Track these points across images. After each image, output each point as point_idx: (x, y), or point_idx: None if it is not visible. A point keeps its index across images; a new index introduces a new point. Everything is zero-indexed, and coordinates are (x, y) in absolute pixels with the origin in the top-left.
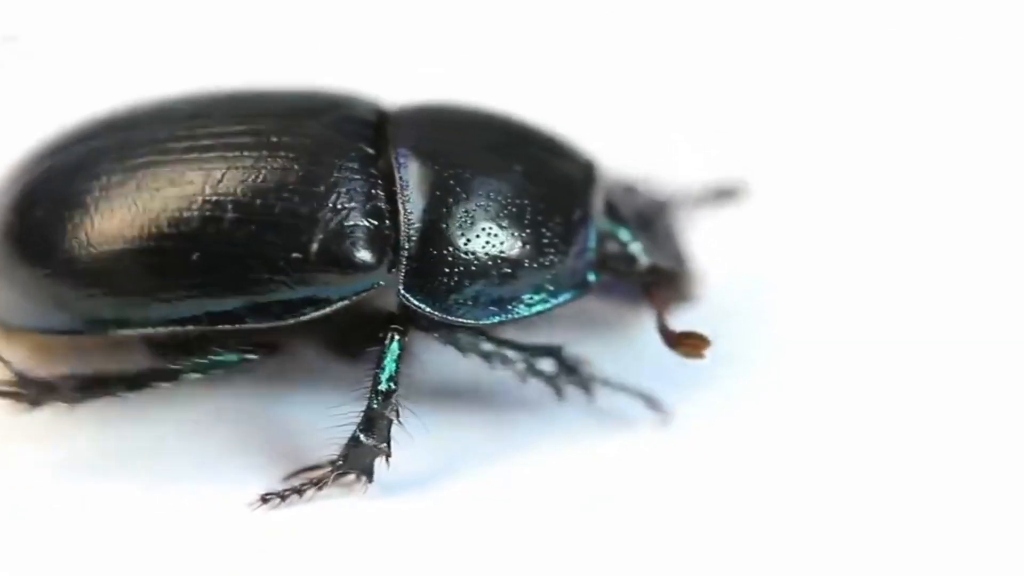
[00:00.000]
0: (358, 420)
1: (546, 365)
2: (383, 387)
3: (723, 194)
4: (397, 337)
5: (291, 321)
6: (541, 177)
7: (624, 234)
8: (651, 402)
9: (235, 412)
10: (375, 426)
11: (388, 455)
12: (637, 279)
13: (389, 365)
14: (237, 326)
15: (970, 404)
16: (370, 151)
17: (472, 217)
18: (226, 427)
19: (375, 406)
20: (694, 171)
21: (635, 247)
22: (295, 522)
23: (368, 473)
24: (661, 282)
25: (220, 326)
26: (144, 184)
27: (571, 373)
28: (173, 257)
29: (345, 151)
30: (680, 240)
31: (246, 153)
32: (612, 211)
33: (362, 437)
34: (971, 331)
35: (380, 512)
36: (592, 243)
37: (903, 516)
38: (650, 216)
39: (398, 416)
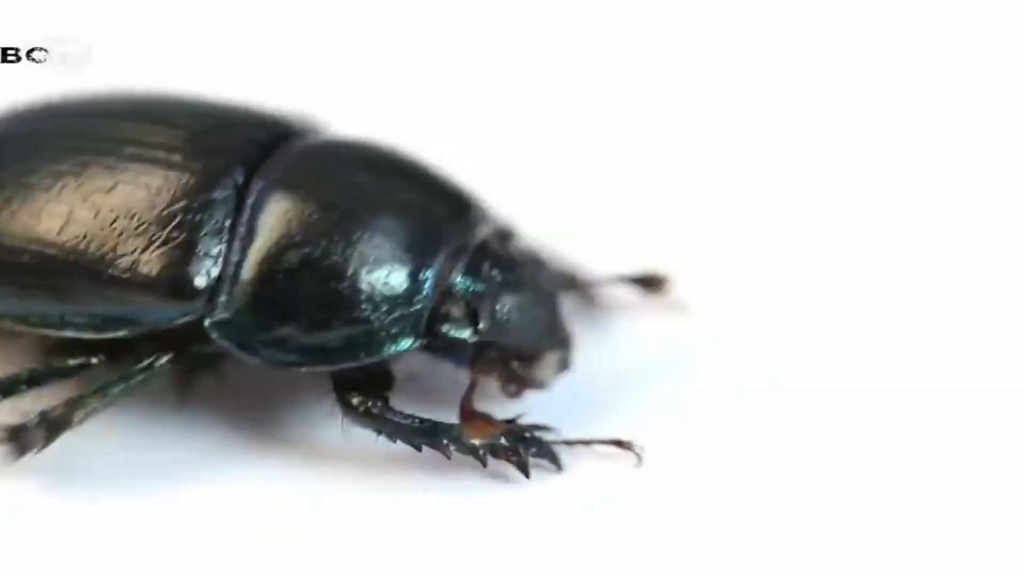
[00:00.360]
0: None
1: (504, 440)
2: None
3: (645, 284)
4: (160, 361)
5: (108, 335)
6: (389, 230)
7: (469, 302)
8: (622, 445)
9: (235, 412)
10: (64, 418)
11: (35, 450)
12: (466, 349)
13: (133, 379)
14: (58, 332)
15: (940, 439)
16: (239, 179)
17: (298, 260)
18: (226, 427)
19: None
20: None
21: (470, 318)
22: (296, 522)
23: (20, 454)
24: (504, 358)
25: (43, 331)
26: (12, 177)
27: (531, 446)
28: (11, 254)
29: (209, 173)
30: (558, 320)
31: (111, 160)
32: (474, 273)
33: (47, 418)
34: (940, 376)
35: (382, 511)
36: (420, 304)
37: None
38: (531, 288)
39: (81, 423)
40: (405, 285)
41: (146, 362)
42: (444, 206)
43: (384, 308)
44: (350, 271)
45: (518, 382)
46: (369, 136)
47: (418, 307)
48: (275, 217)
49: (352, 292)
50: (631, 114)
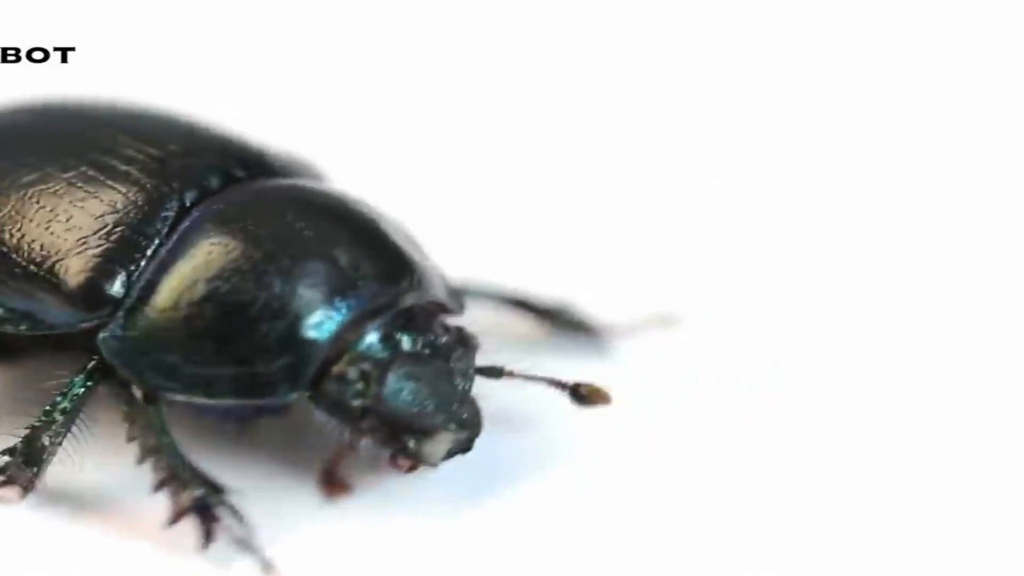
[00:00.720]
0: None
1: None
2: (58, 409)
3: (579, 396)
4: (96, 372)
5: (7, 329)
6: (300, 279)
7: (364, 365)
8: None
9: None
10: (32, 447)
11: (33, 482)
12: (351, 412)
13: (73, 389)
14: None
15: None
16: (186, 204)
17: (202, 292)
18: (216, 434)
19: (37, 424)
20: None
21: (362, 384)
22: (295, 523)
23: (25, 489)
24: (394, 430)
25: None
26: None
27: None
28: None
29: (157, 193)
30: (464, 401)
31: (70, 161)
32: (382, 338)
33: (17, 453)
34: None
35: (381, 518)
36: (309, 358)
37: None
38: (440, 364)
39: (56, 446)
40: (299, 336)
41: (87, 369)
42: (373, 266)
43: (271, 354)
44: (247, 312)
45: (408, 456)
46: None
47: (306, 360)
48: (196, 247)
49: (243, 332)
50: (624, 115)
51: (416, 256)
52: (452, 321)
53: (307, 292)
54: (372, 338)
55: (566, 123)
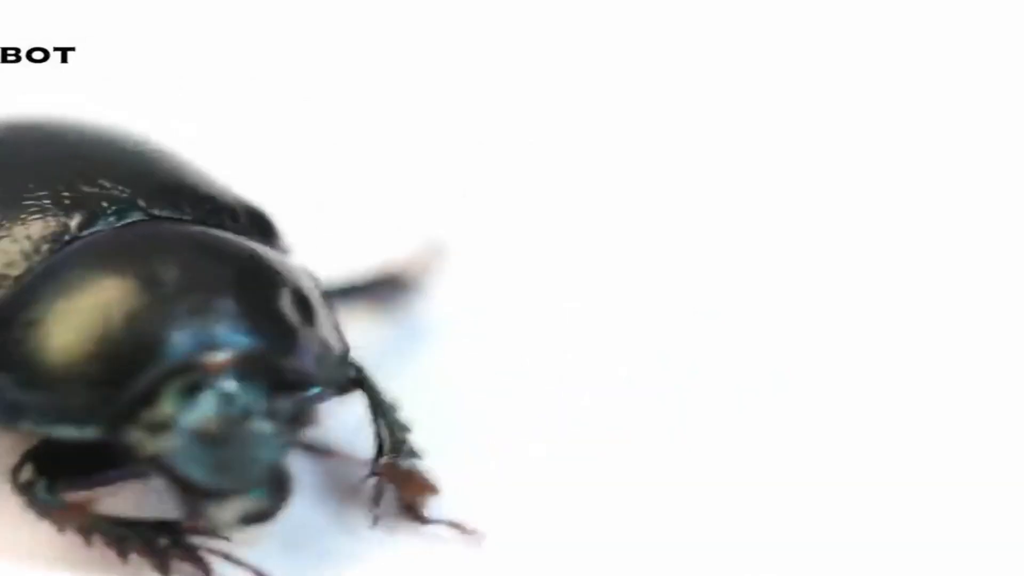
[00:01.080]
0: None
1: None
2: None
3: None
4: None
5: None
6: (136, 321)
7: (166, 415)
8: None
9: None
10: None
11: None
12: (144, 461)
13: None
14: None
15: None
16: (78, 235)
17: (37, 317)
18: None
19: None
20: None
21: (159, 434)
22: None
23: None
24: (187, 487)
25: None
26: None
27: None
28: None
29: (56, 222)
30: (270, 469)
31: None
32: (207, 390)
33: None
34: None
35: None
36: (115, 398)
37: None
38: (254, 426)
39: None
40: (110, 375)
41: None
42: (218, 321)
43: (75, 388)
44: (70, 343)
45: (197, 515)
46: (269, 249)
47: (107, 400)
48: (52, 276)
49: (57, 363)
50: (623, 116)
51: (292, 321)
52: (311, 392)
53: (126, 334)
54: (185, 391)
55: (567, 123)
